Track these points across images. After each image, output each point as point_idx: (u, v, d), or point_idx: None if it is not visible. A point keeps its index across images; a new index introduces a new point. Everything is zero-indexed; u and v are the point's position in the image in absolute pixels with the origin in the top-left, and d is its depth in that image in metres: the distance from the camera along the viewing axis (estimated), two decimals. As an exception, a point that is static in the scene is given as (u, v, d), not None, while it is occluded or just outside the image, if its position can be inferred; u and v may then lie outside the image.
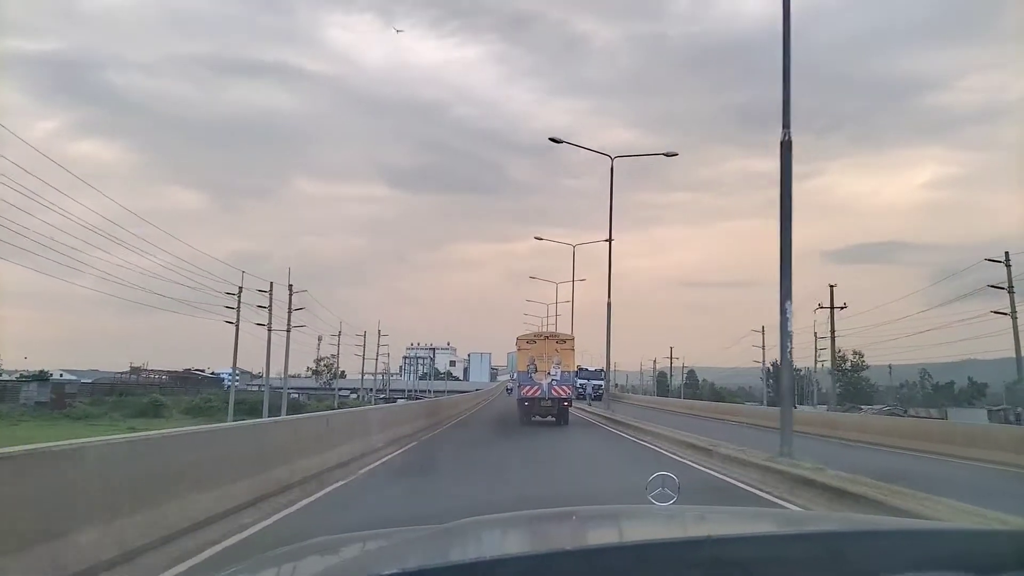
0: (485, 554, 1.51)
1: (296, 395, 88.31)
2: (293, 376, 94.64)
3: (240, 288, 43.95)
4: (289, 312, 46.45)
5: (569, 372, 24.59)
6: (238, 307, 43.34)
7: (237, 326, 43.23)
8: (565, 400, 24.19)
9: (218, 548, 5.60)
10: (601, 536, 1.92)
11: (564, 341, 25.17)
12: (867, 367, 60.79)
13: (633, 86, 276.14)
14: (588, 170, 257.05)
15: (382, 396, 78.13)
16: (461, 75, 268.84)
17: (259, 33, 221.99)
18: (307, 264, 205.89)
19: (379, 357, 73.13)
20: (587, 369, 61.94)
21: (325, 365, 79.30)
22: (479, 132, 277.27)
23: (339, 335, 68.83)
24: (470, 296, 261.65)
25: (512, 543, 1.85)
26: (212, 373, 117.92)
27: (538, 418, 24.24)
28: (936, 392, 73.95)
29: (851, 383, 61.87)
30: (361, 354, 70.39)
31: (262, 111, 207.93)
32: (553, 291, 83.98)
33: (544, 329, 46.36)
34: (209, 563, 5.12)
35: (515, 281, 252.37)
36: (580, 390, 52.77)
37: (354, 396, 73.29)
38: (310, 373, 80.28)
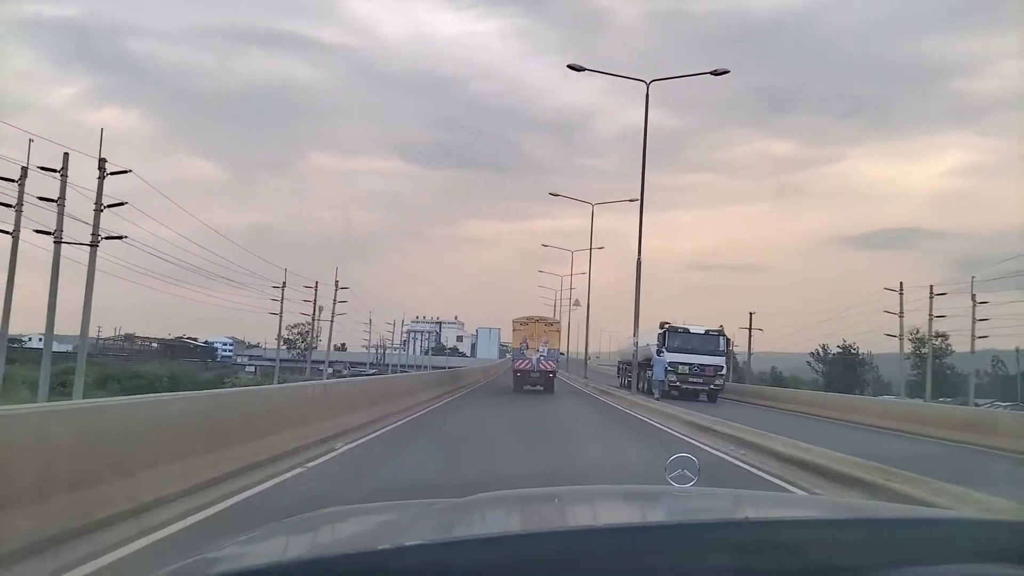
0: (506, 530, 1.52)
1: (252, 368, 79.15)
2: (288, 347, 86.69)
3: (24, 169, 25.93)
4: (97, 210, 26.76)
5: (555, 349, 28.97)
6: (18, 202, 25.98)
7: (15, 237, 26.05)
8: (550, 372, 28.49)
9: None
10: (629, 515, 1.88)
11: (551, 324, 29.81)
12: (952, 352, 51.10)
13: (653, 64, 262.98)
14: (606, 149, 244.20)
15: (371, 371, 69.48)
16: (479, 50, 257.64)
17: (277, 4, 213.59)
18: (322, 238, 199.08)
19: (335, 318, 59.35)
20: (687, 330, 28.23)
21: (299, 333, 69.99)
22: (497, 108, 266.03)
23: (283, 287, 52.92)
24: (483, 274, 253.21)
25: (534, 519, 1.77)
26: (205, 342, 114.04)
27: (528, 387, 27.93)
28: (1009, 382, 64.59)
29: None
30: (312, 314, 55.89)
31: (279, 83, 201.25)
32: (568, 261, 73.04)
33: (552, 313, 47.32)
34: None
35: (530, 260, 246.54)
36: (652, 373, 28.22)
37: (330, 371, 64.23)
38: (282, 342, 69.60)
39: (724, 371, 28.83)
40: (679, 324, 28.38)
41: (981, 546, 1.22)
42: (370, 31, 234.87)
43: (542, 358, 27.94)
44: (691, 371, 27.04)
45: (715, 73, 25.69)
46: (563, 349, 44.63)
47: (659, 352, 27.47)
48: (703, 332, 28.26)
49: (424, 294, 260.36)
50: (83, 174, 27.67)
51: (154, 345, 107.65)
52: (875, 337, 49.55)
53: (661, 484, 2.05)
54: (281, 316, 52.69)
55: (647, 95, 25.30)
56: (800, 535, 1.23)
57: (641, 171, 25.75)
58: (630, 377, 29.52)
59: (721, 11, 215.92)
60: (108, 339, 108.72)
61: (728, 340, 29.70)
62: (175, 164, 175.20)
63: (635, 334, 27.03)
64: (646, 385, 28.68)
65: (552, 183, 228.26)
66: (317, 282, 56.07)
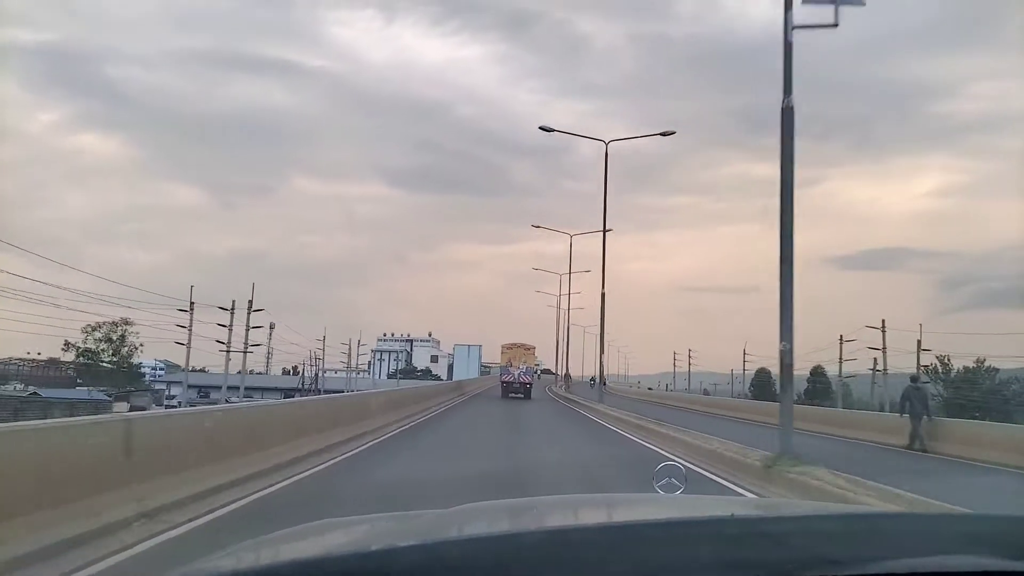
0: (496, 531, 1.57)
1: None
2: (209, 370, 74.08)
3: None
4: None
5: (531, 367, 41.00)
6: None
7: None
8: (528, 384, 39.12)
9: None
10: (617, 518, 1.91)
11: (528, 349, 40.50)
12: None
13: (635, 88, 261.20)
14: (590, 172, 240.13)
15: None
16: (463, 75, 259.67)
17: (258, 29, 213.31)
18: (305, 264, 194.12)
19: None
20: None
21: (106, 338, 53.38)
22: (481, 133, 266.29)
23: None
24: (467, 298, 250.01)
25: (523, 524, 1.81)
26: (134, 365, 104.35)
27: (512, 395, 37.46)
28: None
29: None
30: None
31: (261, 108, 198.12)
32: (557, 283, 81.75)
33: (519, 342, 48.00)
34: None
35: (520, 281, 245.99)
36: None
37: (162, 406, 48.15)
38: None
39: None
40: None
41: (951, 538, 1.26)
42: (353, 57, 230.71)
43: (522, 373, 38.85)
44: None
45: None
46: (562, 369, 61.14)
47: None
48: None
49: (408, 317, 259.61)
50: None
51: (70, 371, 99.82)
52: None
53: (649, 492, 2.33)
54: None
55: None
56: (783, 528, 1.32)
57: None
58: None
59: (702, 34, 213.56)
60: (24, 362, 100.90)
61: None
62: (158, 189, 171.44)
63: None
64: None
65: (537, 205, 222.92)
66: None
